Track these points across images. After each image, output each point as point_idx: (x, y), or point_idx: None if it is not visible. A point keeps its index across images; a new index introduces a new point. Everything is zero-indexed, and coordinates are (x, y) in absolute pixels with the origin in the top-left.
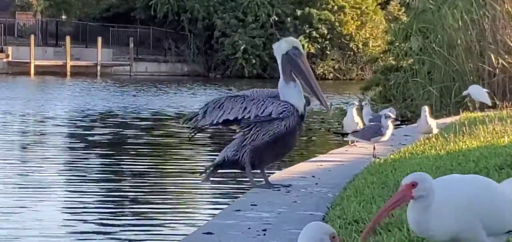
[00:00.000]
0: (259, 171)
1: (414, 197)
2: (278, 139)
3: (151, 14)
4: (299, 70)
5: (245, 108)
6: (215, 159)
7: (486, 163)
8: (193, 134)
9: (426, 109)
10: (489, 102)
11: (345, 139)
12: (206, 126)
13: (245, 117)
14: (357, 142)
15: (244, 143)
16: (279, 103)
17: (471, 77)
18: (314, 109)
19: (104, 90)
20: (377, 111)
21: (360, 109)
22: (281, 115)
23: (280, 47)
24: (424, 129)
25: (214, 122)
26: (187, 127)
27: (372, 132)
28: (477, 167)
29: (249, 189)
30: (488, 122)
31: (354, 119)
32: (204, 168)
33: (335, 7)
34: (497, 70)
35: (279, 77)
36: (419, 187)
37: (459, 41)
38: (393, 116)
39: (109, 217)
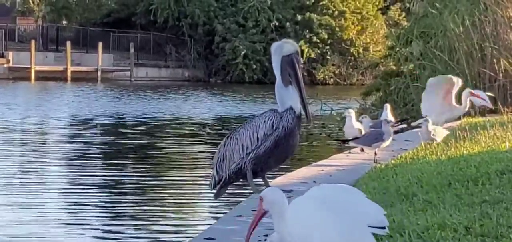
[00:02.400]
0: (260, 179)
1: (265, 209)
2: (278, 143)
3: (152, 19)
4: (296, 77)
5: (242, 145)
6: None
7: (487, 168)
8: (219, 192)
9: (429, 120)
10: (490, 105)
11: (346, 145)
12: (226, 180)
13: (247, 153)
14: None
15: (247, 151)
16: (264, 120)
17: (474, 81)
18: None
19: (104, 96)
20: (377, 117)
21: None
22: (274, 127)
23: (284, 49)
24: (427, 138)
25: (229, 174)
26: (214, 192)
27: (373, 138)
28: (478, 172)
29: (250, 195)
30: (489, 127)
31: (354, 126)
32: (210, 182)
33: (336, 12)
34: (499, 75)
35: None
36: (265, 201)
37: (460, 45)
38: (392, 120)
39: (110, 223)
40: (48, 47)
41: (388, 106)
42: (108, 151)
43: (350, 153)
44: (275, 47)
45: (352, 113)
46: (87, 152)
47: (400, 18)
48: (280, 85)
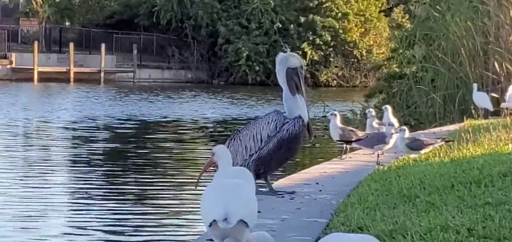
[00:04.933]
0: (263, 180)
1: (215, 161)
2: (282, 145)
3: (155, 21)
4: (301, 90)
5: (246, 147)
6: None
7: (490, 170)
8: None
9: None
10: (491, 108)
11: (349, 146)
12: None
13: (250, 154)
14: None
15: (251, 153)
16: (268, 121)
17: (477, 84)
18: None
19: (107, 97)
20: (381, 119)
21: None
22: (277, 129)
23: (289, 61)
24: None
25: None
26: None
27: (375, 140)
28: (481, 174)
29: None
30: (492, 129)
31: (338, 128)
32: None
33: (339, 14)
34: (501, 77)
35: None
36: (216, 155)
37: (462, 48)
38: (394, 122)
39: (111, 225)
40: (51, 48)
41: (389, 107)
42: (110, 152)
43: (349, 157)
44: (280, 59)
45: (336, 114)
46: (89, 153)
47: (403, 20)
48: (288, 96)
